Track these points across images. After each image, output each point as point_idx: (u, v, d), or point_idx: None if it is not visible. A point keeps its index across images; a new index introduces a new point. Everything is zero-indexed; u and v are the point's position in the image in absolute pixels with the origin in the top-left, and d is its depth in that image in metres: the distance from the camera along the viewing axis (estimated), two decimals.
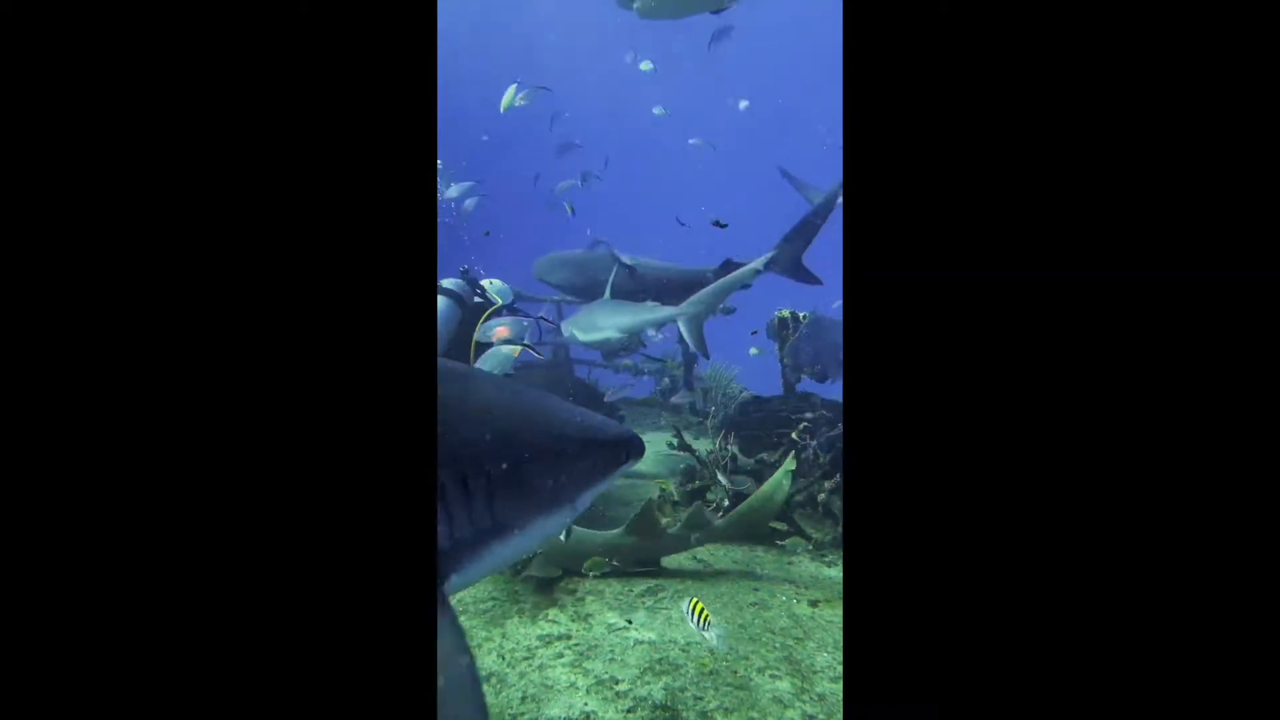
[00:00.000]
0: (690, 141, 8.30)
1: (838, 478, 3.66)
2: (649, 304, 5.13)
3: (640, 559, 2.84)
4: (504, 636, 2.39)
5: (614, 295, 5.25)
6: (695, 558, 3.15)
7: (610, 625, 2.46)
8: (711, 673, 2.13)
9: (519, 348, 3.47)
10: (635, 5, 4.44)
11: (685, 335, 4.83)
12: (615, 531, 2.76)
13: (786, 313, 5.62)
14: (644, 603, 2.63)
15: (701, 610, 2.02)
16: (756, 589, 2.74)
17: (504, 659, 2.23)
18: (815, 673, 2.16)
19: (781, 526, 3.47)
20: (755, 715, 1.92)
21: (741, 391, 6.46)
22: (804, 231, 4.73)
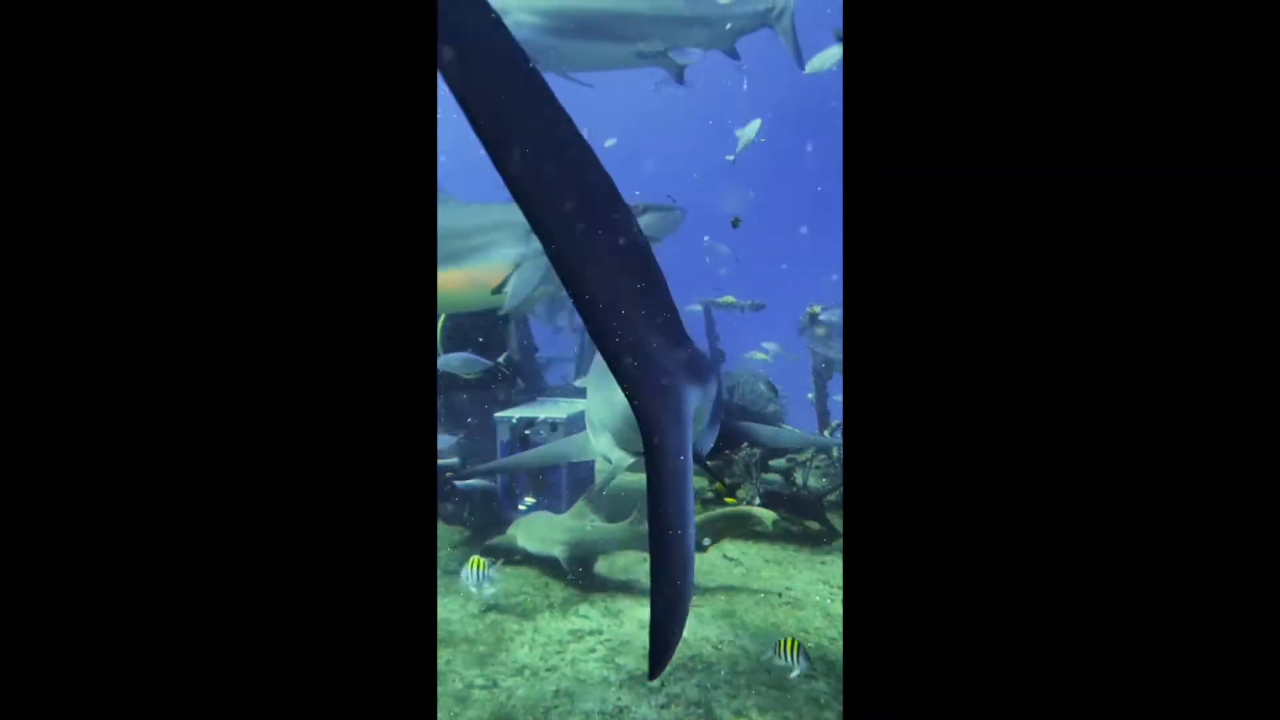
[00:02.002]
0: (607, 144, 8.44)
1: None
2: None
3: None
4: (536, 630, 2.39)
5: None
6: (726, 556, 3.12)
7: (641, 621, 2.44)
8: (745, 672, 2.10)
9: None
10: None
11: None
12: (625, 522, 2.75)
13: (818, 309, 5.54)
14: None
15: None
16: (790, 588, 2.71)
17: (536, 652, 2.23)
18: None
19: (816, 526, 3.42)
20: (791, 716, 1.89)
21: (770, 390, 6.39)
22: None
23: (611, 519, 2.79)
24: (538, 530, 2.85)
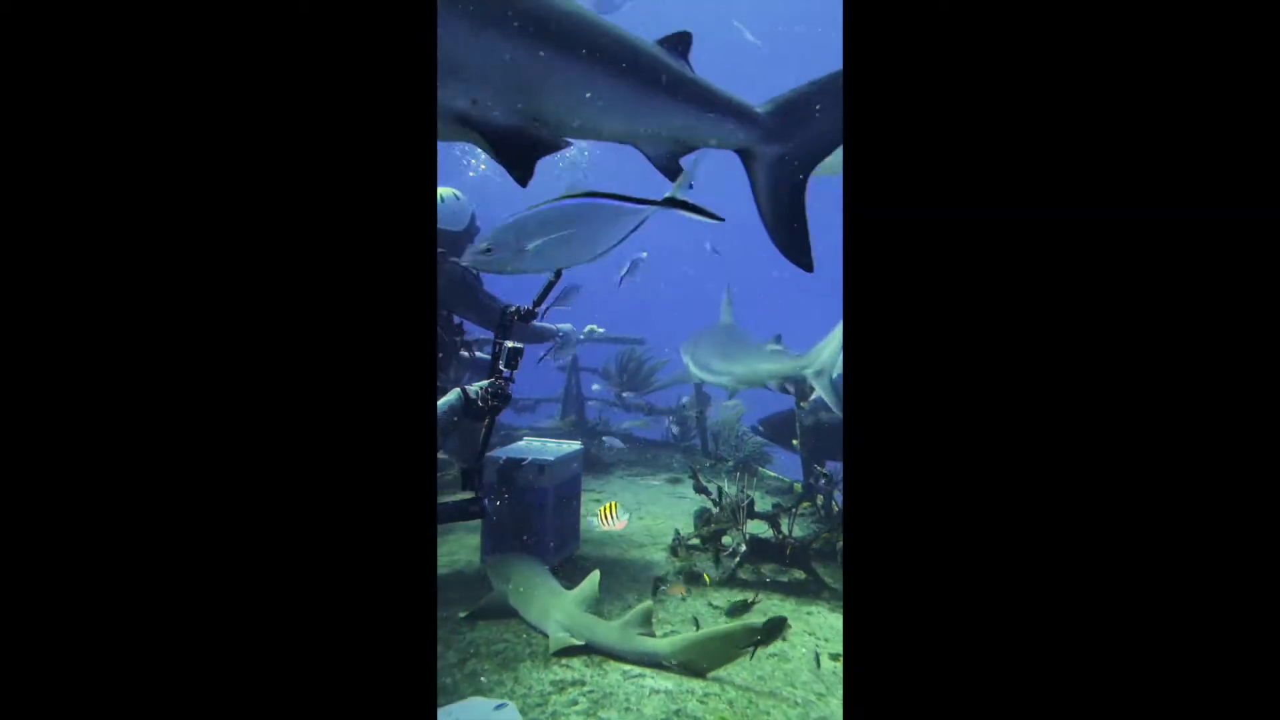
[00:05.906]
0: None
1: None
2: (771, 348, 4.50)
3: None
4: (516, 680, 2.32)
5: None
6: (710, 603, 3.07)
7: (625, 672, 2.38)
8: None
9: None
10: None
11: (823, 395, 4.04)
12: (617, 623, 2.56)
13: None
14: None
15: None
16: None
17: (517, 704, 2.16)
18: None
19: (801, 575, 3.39)
20: None
21: (751, 435, 6.40)
22: None
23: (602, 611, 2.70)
24: (539, 596, 2.75)
